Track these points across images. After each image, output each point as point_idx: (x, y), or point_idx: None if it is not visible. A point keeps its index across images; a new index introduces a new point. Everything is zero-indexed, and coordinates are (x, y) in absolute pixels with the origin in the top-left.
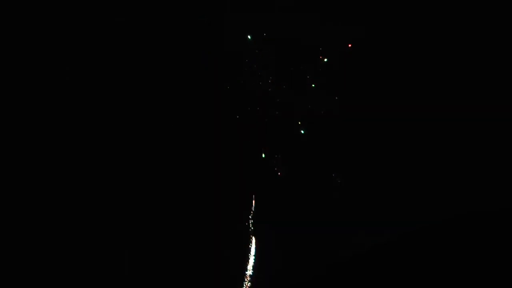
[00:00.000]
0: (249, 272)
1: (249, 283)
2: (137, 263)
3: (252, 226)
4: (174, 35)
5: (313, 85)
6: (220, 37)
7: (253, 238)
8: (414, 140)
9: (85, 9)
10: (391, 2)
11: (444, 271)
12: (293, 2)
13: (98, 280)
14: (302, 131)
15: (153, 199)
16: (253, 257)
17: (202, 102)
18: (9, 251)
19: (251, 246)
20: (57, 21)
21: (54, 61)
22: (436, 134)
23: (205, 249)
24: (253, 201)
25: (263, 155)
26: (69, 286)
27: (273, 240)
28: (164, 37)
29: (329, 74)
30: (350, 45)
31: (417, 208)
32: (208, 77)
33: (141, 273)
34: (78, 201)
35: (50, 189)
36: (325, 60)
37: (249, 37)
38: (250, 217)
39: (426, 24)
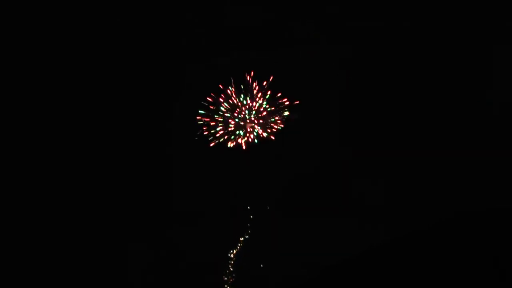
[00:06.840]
0: (245, 273)
1: (245, 285)
2: (125, 262)
3: (248, 226)
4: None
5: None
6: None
7: (250, 238)
8: (412, 141)
9: (85, 9)
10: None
11: (441, 271)
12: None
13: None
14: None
15: (144, 197)
16: (250, 258)
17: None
18: (8, 251)
19: (247, 246)
20: (57, 21)
21: (54, 61)
22: (435, 135)
23: (201, 248)
24: (251, 201)
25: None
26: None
27: (270, 241)
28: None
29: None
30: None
31: (415, 209)
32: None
33: (134, 272)
34: (76, 200)
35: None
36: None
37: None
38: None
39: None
